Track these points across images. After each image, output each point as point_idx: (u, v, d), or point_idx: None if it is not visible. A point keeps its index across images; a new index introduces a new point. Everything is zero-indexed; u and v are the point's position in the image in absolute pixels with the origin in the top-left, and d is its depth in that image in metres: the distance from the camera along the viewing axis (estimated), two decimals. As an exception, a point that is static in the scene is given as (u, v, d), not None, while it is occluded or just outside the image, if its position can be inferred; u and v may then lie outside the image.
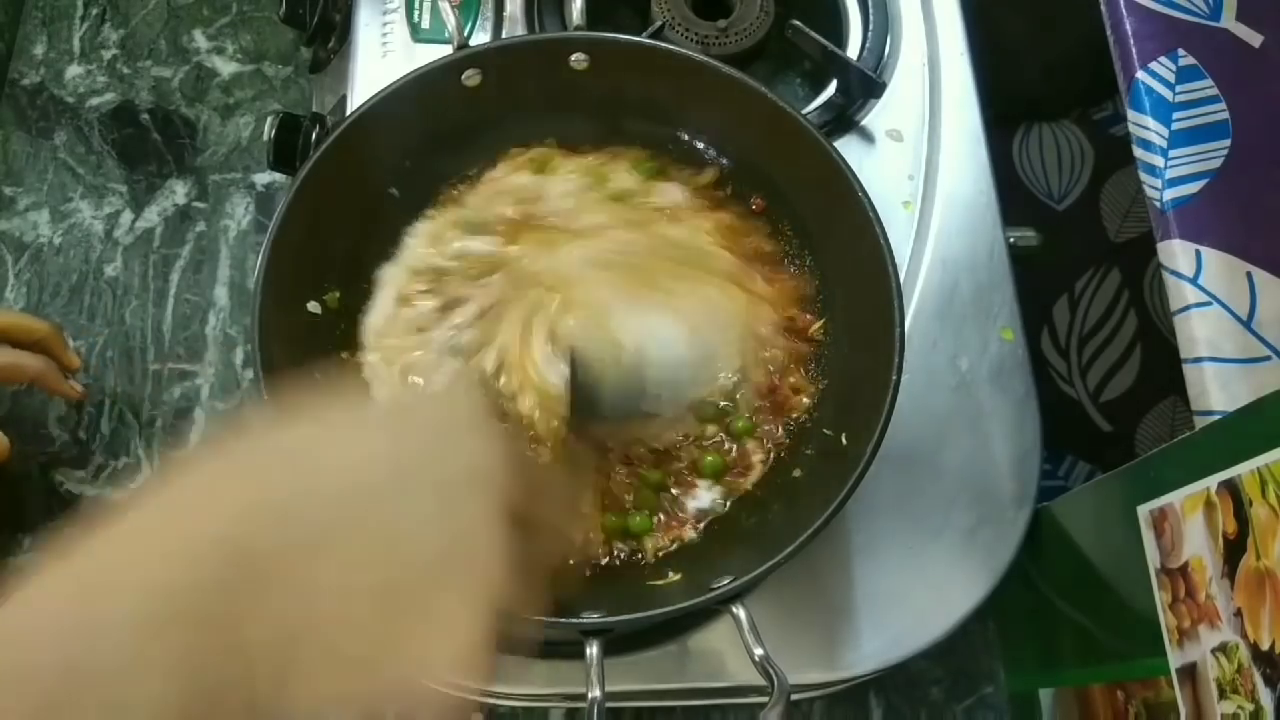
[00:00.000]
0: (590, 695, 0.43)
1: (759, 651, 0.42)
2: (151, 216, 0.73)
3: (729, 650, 0.43)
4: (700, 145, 0.57)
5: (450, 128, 0.55)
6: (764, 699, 0.42)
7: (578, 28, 0.54)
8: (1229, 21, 0.58)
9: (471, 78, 0.53)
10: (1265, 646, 0.38)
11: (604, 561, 0.51)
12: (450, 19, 0.54)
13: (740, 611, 0.43)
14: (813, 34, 0.63)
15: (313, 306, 0.53)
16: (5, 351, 0.58)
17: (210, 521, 0.28)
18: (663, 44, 0.55)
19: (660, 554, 0.51)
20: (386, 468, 0.30)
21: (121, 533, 0.28)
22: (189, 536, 0.27)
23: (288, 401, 0.33)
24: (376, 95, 0.51)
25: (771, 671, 0.42)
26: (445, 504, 0.30)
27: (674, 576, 0.49)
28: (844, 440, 0.49)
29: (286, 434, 0.31)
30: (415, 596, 0.28)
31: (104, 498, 0.66)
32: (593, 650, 0.43)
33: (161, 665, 0.25)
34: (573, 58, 0.54)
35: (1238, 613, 0.40)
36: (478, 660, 0.29)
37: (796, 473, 0.52)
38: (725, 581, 0.43)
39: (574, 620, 0.44)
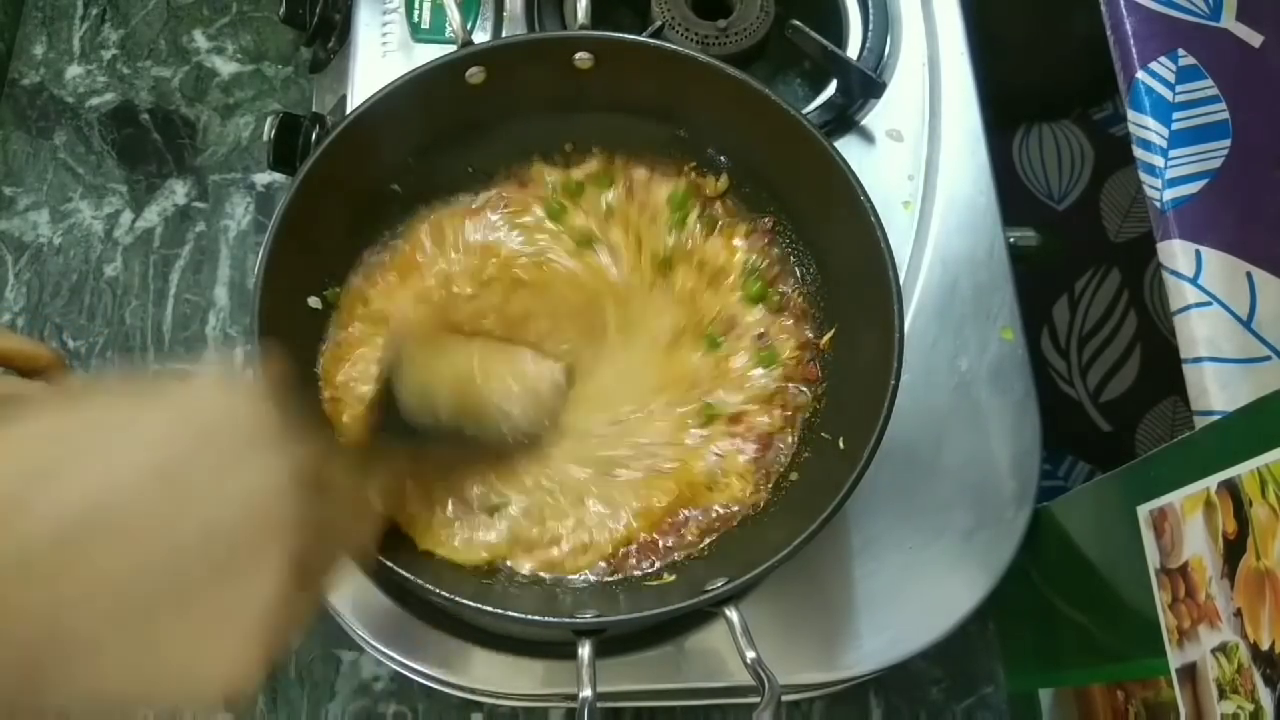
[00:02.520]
0: (581, 695, 0.43)
1: (751, 654, 0.42)
2: (151, 216, 0.73)
3: (728, 650, 0.43)
4: (700, 144, 0.57)
5: (453, 125, 0.55)
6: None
7: (582, 26, 0.54)
8: (1229, 21, 0.58)
9: (475, 75, 0.53)
10: (1265, 646, 0.38)
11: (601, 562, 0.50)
12: (454, 16, 0.54)
13: (733, 614, 0.43)
14: (813, 34, 0.63)
15: (313, 302, 0.53)
16: (8, 382, 0.57)
17: None
18: (667, 44, 0.55)
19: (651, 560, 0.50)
20: (155, 472, 0.28)
21: None
22: None
23: (77, 384, 0.32)
24: (379, 93, 0.51)
25: (763, 674, 0.42)
26: (217, 513, 0.28)
27: (669, 577, 0.49)
28: (842, 443, 0.49)
29: (48, 427, 0.29)
30: (187, 604, 0.28)
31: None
32: (585, 650, 0.43)
33: None
34: (577, 56, 0.54)
35: (1238, 613, 0.40)
36: (244, 681, 0.28)
37: (794, 475, 0.51)
38: (719, 583, 0.43)
39: (567, 620, 0.44)
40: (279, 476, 0.30)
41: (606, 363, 0.54)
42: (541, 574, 0.49)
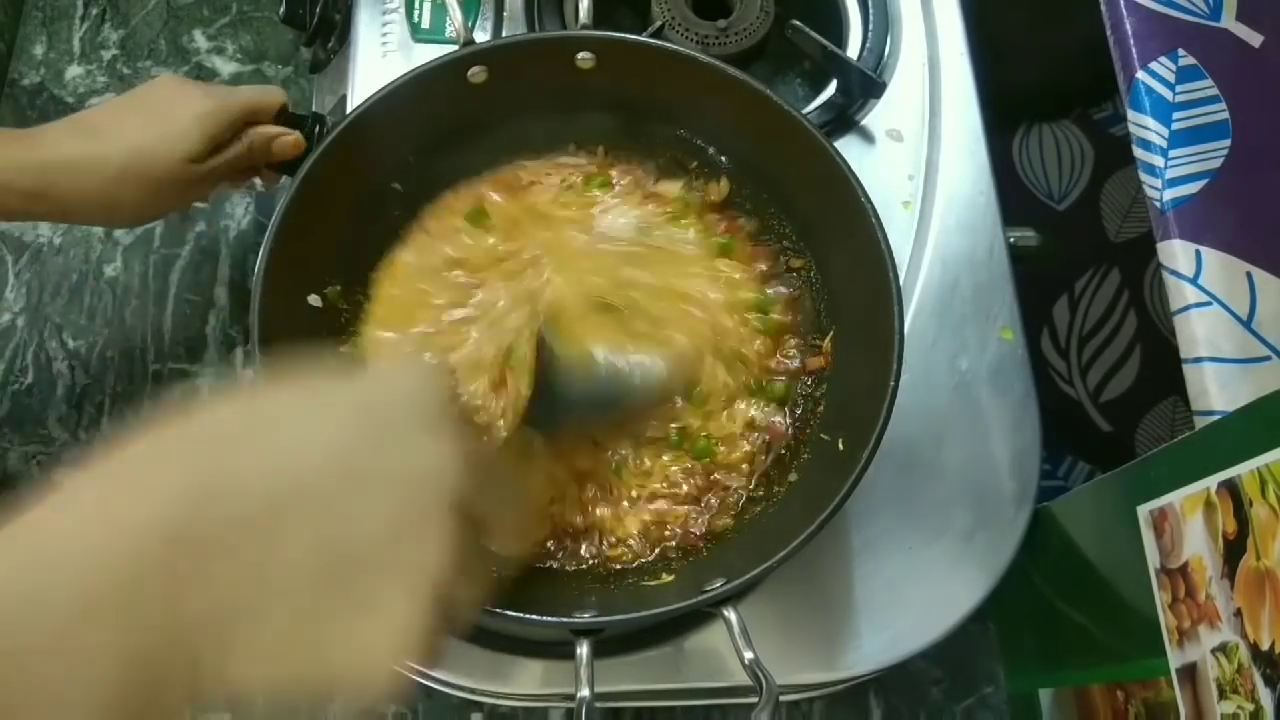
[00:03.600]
0: (579, 695, 0.43)
1: (749, 655, 0.42)
2: (151, 216, 0.73)
3: (727, 651, 0.43)
4: (701, 144, 0.57)
5: (454, 124, 0.55)
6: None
7: (584, 26, 0.54)
8: (1229, 21, 0.58)
9: (477, 74, 0.53)
10: (1265, 646, 0.38)
11: (599, 562, 0.50)
12: (456, 15, 0.54)
13: (731, 614, 0.43)
14: (813, 34, 0.63)
15: (313, 300, 0.53)
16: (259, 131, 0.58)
17: (150, 498, 0.27)
18: (668, 44, 0.55)
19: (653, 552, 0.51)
20: (337, 453, 0.29)
21: (60, 510, 0.27)
22: (127, 515, 0.27)
23: (245, 380, 0.33)
24: (380, 92, 0.51)
25: (760, 675, 0.42)
26: (393, 496, 0.29)
27: (667, 578, 0.49)
28: (841, 445, 0.49)
29: (236, 410, 0.30)
30: (356, 583, 0.28)
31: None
32: (583, 650, 0.43)
33: (98, 646, 0.25)
34: (579, 56, 0.54)
35: (1238, 613, 0.40)
36: (414, 653, 0.29)
37: (793, 476, 0.51)
38: (717, 584, 0.43)
39: (565, 620, 0.44)
40: (454, 459, 0.31)
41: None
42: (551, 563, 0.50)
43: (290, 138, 0.60)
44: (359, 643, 0.28)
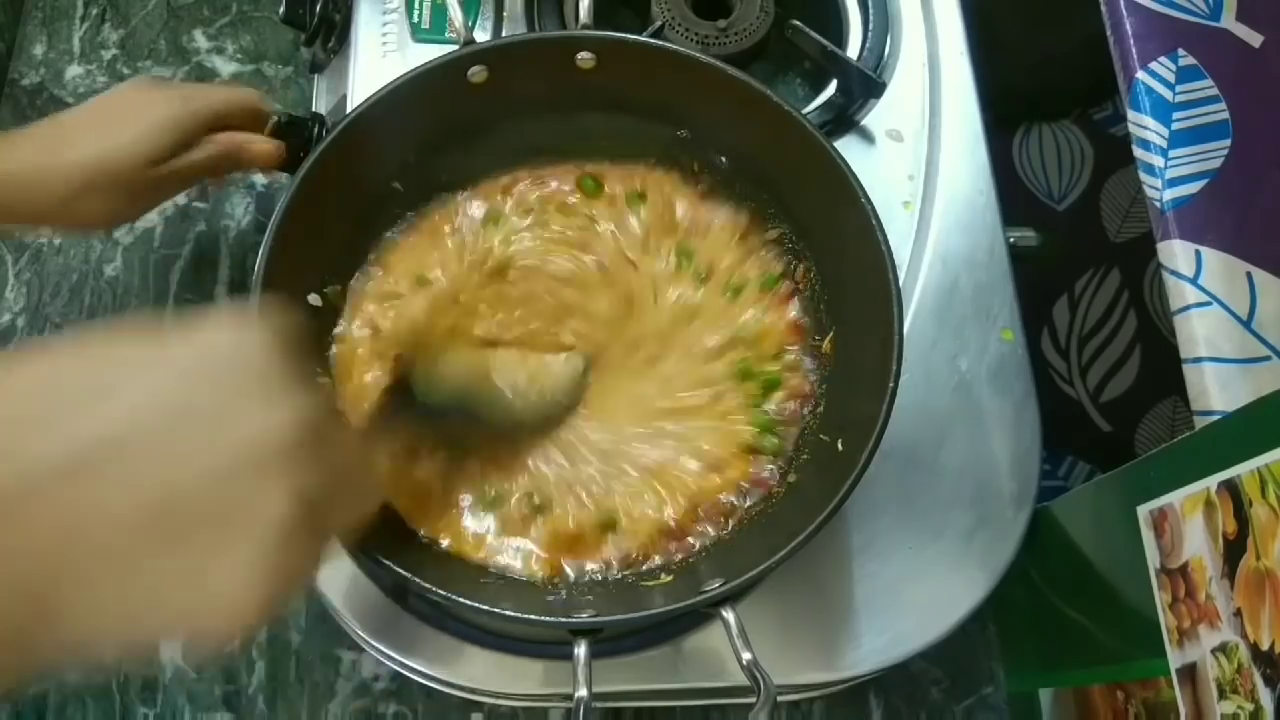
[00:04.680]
0: (577, 695, 0.43)
1: (747, 656, 0.42)
2: (151, 216, 0.73)
3: (727, 651, 0.43)
4: (701, 144, 0.57)
5: (454, 124, 0.55)
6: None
7: (584, 26, 0.55)
8: (1229, 21, 0.58)
9: (477, 74, 0.53)
10: (1265, 646, 0.38)
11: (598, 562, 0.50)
12: (457, 15, 0.54)
13: (729, 615, 0.43)
14: (813, 34, 0.63)
15: (313, 299, 0.53)
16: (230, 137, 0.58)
17: None
18: (669, 45, 0.55)
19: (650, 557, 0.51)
20: (158, 402, 0.29)
21: None
22: None
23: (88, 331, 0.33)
24: (380, 91, 0.51)
25: (758, 676, 0.42)
26: (220, 444, 0.29)
27: (666, 578, 0.49)
28: (840, 446, 0.49)
29: (50, 363, 0.30)
30: (186, 530, 0.28)
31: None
32: (580, 650, 0.43)
33: None
34: (579, 56, 0.54)
35: (1238, 613, 0.40)
36: (249, 608, 0.29)
37: (792, 477, 0.51)
38: (716, 584, 0.43)
39: (563, 620, 0.44)
40: (288, 417, 0.30)
41: (625, 356, 0.54)
42: (537, 571, 0.49)
43: (265, 146, 0.60)
44: (195, 597, 0.28)
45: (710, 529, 0.51)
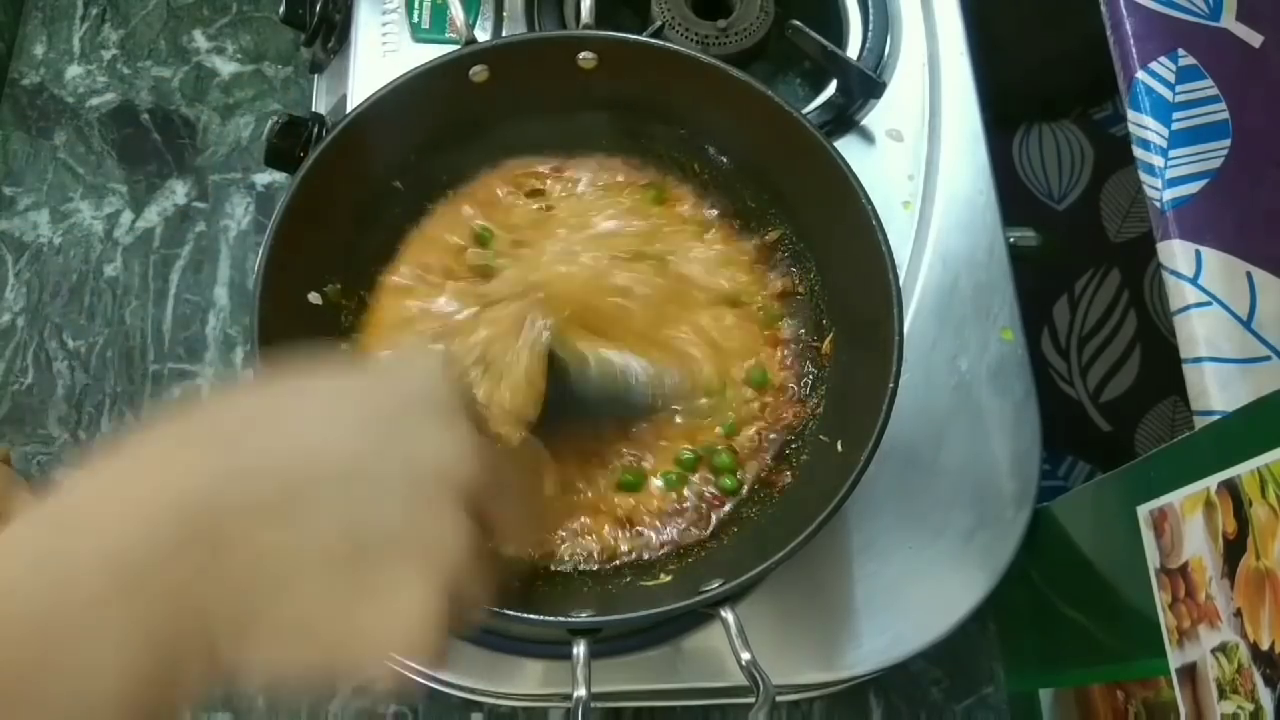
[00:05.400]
0: (576, 695, 0.43)
1: (746, 656, 0.42)
2: (151, 216, 0.73)
3: (726, 651, 0.43)
4: (701, 144, 0.57)
5: (455, 123, 0.55)
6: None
7: (586, 26, 0.54)
8: (1229, 21, 0.58)
9: (478, 74, 0.53)
10: (1265, 646, 0.38)
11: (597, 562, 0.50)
12: (458, 14, 0.54)
13: (728, 615, 0.43)
14: (813, 34, 0.63)
15: (313, 298, 0.53)
16: None
17: (168, 482, 0.28)
18: (670, 45, 0.55)
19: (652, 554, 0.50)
20: (351, 441, 0.30)
21: (80, 492, 0.28)
22: (145, 498, 0.27)
23: (264, 370, 0.34)
24: (381, 90, 0.51)
25: (757, 676, 0.42)
26: (409, 487, 0.30)
27: (665, 578, 0.49)
28: (840, 447, 0.49)
29: (255, 398, 0.31)
30: (369, 569, 0.29)
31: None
32: (580, 650, 0.43)
33: (124, 622, 0.25)
34: (580, 56, 0.54)
35: (1238, 613, 0.40)
36: (427, 642, 0.29)
37: (790, 478, 0.51)
38: (715, 585, 0.43)
39: (562, 619, 0.44)
40: (466, 451, 0.31)
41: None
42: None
43: None
44: (370, 629, 0.29)
45: (710, 530, 0.51)
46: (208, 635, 0.27)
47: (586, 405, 0.48)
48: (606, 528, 0.51)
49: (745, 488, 0.52)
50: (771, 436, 0.53)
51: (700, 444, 0.52)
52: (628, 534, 0.51)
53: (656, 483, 0.51)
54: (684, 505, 0.51)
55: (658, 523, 0.51)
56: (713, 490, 0.52)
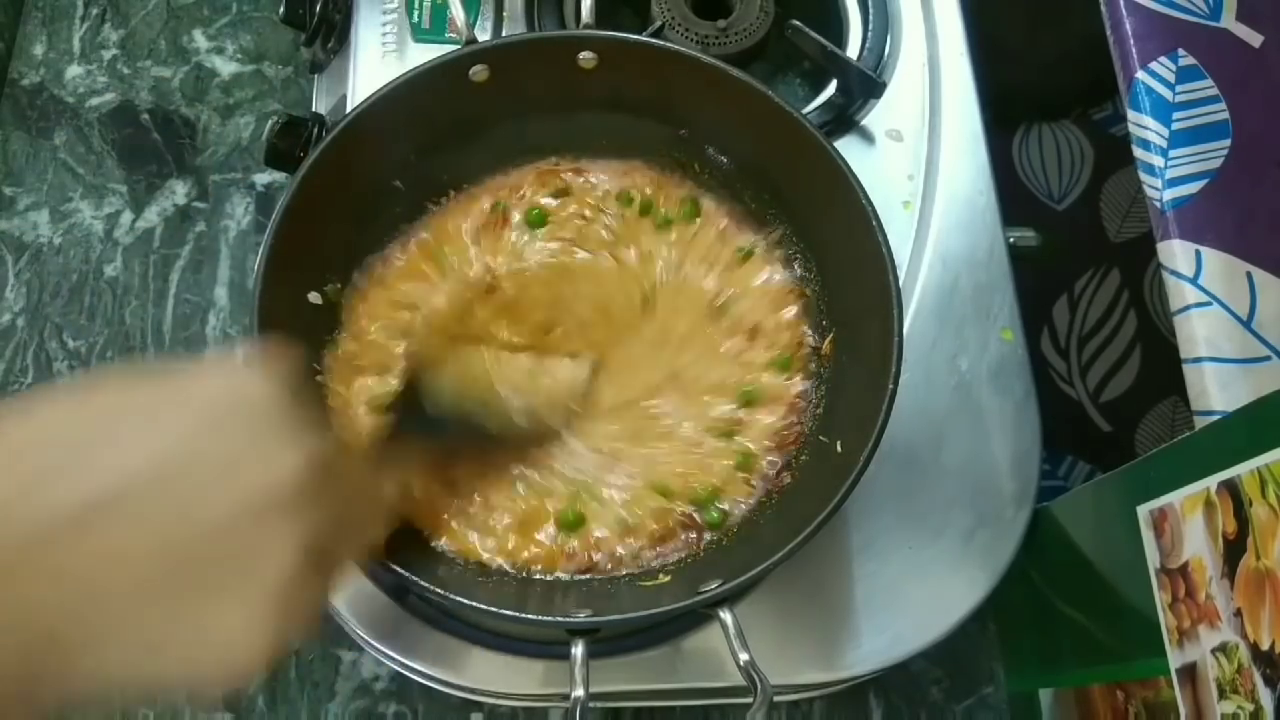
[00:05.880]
0: (574, 695, 0.43)
1: (744, 656, 0.42)
2: (151, 216, 0.73)
3: (726, 651, 0.43)
4: (701, 144, 0.57)
5: (456, 123, 0.55)
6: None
7: (586, 26, 0.55)
8: (1229, 21, 0.58)
9: (479, 73, 0.53)
10: (1265, 646, 0.38)
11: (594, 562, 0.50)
12: (458, 14, 0.54)
13: (727, 616, 0.43)
14: (813, 34, 0.63)
15: (313, 297, 0.53)
16: None
17: None
18: (671, 45, 0.55)
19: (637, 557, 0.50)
20: (166, 451, 0.29)
21: None
22: None
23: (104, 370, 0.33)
24: (381, 90, 0.51)
25: (755, 676, 0.42)
26: (228, 493, 0.29)
27: (663, 578, 0.49)
28: (839, 448, 0.49)
29: (90, 390, 0.30)
30: (192, 589, 0.28)
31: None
32: (577, 650, 0.43)
33: None
34: (581, 56, 0.54)
35: (1238, 613, 0.40)
36: (248, 657, 0.29)
37: (789, 479, 0.51)
38: (714, 585, 0.43)
39: (560, 619, 0.44)
40: (293, 463, 0.30)
41: (629, 358, 0.54)
42: (536, 570, 0.49)
43: None
44: (199, 648, 0.29)
45: (708, 531, 0.51)
46: (27, 652, 0.26)
47: (440, 423, 0.48)
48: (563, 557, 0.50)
49: (745, 489, 0.52)
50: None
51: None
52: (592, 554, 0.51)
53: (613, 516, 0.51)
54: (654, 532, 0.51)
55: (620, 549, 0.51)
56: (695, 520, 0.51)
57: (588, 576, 0.49)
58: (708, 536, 0.50)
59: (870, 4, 0.68)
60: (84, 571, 0.27)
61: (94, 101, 0.77)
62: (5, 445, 0.28)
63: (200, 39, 0.79)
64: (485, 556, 0.49)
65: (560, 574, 0.49)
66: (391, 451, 0.44)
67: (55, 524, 0.27)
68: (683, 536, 0.50)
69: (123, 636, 0.28)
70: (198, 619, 0.28)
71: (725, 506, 0.51)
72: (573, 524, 0.50)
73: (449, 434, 0.49)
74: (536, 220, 0.56)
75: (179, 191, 0.74)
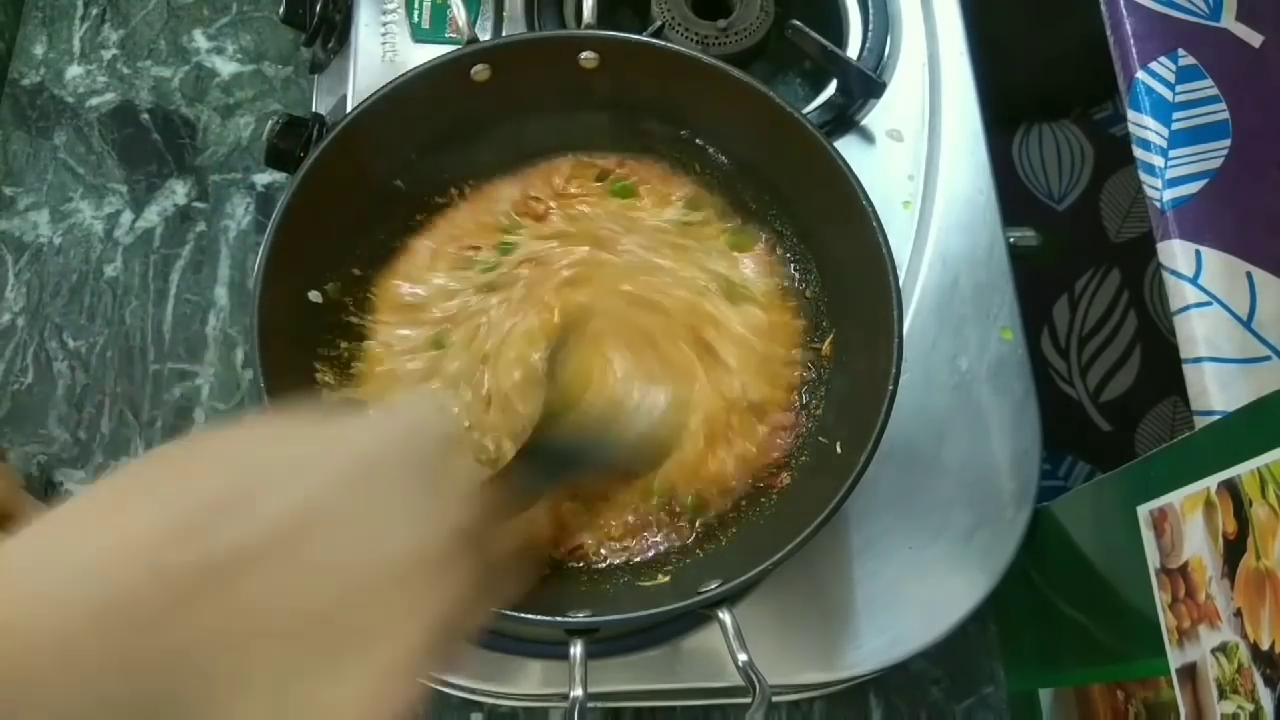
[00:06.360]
0: (572, 694, 0.43)
1: (742, 657, 0.42)
2: (151, 216, 0.73)
3: (725, 651, 0.43)
4: (702, 144, 0.57)
5: (457, 122, 0.55)
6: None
7: (588, 26, 0.55)
8: (1229, 21, 0.58)
9: (480, 72, 0.53)
10: (1265, 646, 0.38)
11: (593, 563, 0.50)
12: (460, 13, 0.54)
13: (725, 616, 0.43)
14: (813, 34, 0.63)
15: (314, 296, 0.53)
16: None
17: (136, 527, 0.26)
18: (672, 45, 0.55)
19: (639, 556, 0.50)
20: (330, 500, 0.28)
21: (45, 539, 0.26)
22: (112, 544, 0.26)
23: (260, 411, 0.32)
24: (382, 89, 0.51)
25: (754, 677, 0.42)
26: (390, 546, 0.28)
27: (663, 579, 0.49)
28: (839, 449, 0.49)
29: (239, 438, 0.29)
30: (327, 653, 0.27)
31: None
32: (576, 650, 0.43)
33: (104, 659, 0.24)
34: (582, 55, 0.54)
35: (1238, 613, 0.40)
36: (401, 699, 0.28)
37: (789, 480, 0.51)
38: (713, 585, 0.43)
39: (559, 619, 0.44)
40: (457, 522, 0.29)
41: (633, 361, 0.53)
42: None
43: None
44: (330, 700, 0.27)
45: (709, 531, 0.51)
46: (174, 689, 0.25)
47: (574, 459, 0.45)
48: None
49: (745, 489, 0.52)
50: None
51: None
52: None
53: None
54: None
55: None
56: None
57: (580, 564, 0.49)
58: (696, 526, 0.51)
59: (870, 4, 0.68)
60: (220, 625, 0.26)
61: (94, 101, 0.77)
62: (157, 488, 0.27)
63: (200, 39, 0.79)
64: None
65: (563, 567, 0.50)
66: (525, 498, 0.41)
67: (200, 573, 0.26)
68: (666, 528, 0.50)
69: (244, 695, 0.26)
70: (329, 682, 0.27)
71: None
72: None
73: (576, 469, 0.45)
74: (622, 191, 0.56)
75: (179, 191, 0.74)
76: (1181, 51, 0.56)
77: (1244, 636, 0.39)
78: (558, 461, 0.43)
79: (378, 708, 0.27)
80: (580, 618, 0.44)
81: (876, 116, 0.65)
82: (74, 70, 0.78)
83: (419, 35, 0.65)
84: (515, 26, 0.66)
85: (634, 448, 0.48)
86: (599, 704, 0.57)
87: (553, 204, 0.57)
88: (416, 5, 0.66)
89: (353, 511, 0.28)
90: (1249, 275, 0.52)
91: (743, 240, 0.56)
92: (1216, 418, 0.49)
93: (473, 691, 0.54)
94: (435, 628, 0.29)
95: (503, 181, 0.58)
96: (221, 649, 0.26)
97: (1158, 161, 0.55)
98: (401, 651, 0.28)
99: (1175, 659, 0.44)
